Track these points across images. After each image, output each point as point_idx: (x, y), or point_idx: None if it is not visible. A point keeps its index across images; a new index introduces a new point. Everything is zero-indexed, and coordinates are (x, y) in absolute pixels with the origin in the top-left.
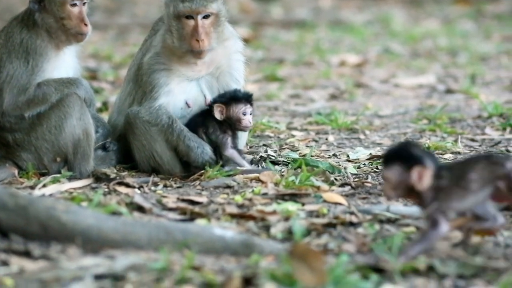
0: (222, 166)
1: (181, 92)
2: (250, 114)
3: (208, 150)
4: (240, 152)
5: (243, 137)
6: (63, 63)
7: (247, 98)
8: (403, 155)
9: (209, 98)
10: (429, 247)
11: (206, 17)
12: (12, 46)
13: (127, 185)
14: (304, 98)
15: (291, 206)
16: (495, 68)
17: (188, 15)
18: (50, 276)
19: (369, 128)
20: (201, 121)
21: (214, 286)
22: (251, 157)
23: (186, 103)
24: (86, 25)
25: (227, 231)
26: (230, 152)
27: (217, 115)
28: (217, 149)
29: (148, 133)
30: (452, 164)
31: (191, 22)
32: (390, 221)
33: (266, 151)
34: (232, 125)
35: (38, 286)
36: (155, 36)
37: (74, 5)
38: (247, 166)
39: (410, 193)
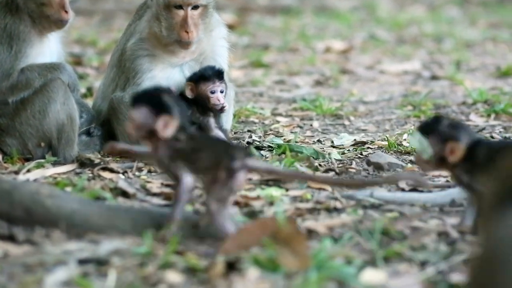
0: None
1: (164, 78)
2: (221, 92)
3: None
4: (225, 132)
5: (228, 119)
6: (47, 49)
7: (216, 76)
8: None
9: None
10: None
11: (195, 8)
12: None
13: (111, 171)
14: (289, 84)
15: (275, 192)
16: (480, 54)
17: (178, 5)
18: (34, 260)
19: (353, 114)
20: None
21: (197, 270)
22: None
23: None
24: (66, 12)
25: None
26: (215, 133)
27: (188, 93)
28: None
29: None
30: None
31: (181, 13)
32: (373, 206)
33: (250, 137)
34: (204, 105)
35: (22, 270)
36: (139, 21)
37: None
38: None
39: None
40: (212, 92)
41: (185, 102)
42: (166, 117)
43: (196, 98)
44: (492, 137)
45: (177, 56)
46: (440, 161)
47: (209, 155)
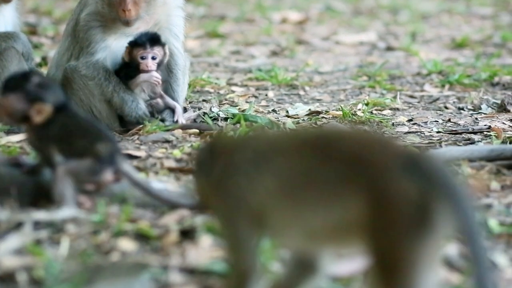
0: (162, 121)
1: (119, 47)
2: (153, 58)
3: (142, 105)
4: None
5: (183, 89)
6: (1, 18)
7: (149, 42)
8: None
9: (159, 75)
10: None
11: None
12: None
13: None
14: (245, 55)
15: None
16: (435, 26)
17: None
18: None
19: (309, 84)
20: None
21: (151, 239)
22: (196, 113)
23: (123, 58)
24: None
25: (164, 185)
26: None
27: (125, 56)
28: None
29: (86, 88)
30: None
31: None
32: None
33: (210, 109)
34: (137, 69)
35: None
36: None
37: None
38: (175, 104)
39: None
40: (142, 58)
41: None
42: (38, 103)
43: (131, 62)
44: (446, 107)
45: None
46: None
47: (82, 141)
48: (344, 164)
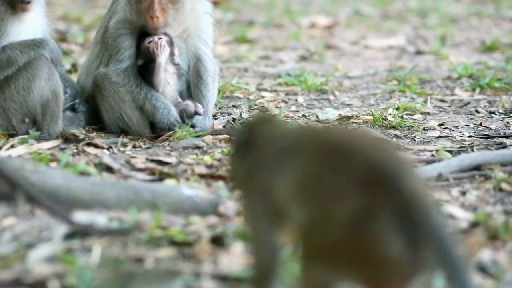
0: (192, 127)
1: None
2: (159, 39)
3: (174, 112)
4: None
5: (213, 95)
6: (30, 26)
7: (151, 31)
8: None
9: (177, 60)
10: None
11: None
12: None
13: (96, 146)
14: (274, 60)
15: None
16: (465, 29)
17: None
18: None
19: (338, 89)
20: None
21: (182, 245)
22: (226, 118)
23: None
24: None
25: (195, 191)
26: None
27: (139, 61)
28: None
29: (117, 94)
30: None
31: None
32: None
33: (240, 114)
34: (153, 61)
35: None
36: (120, 1)
37: None
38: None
39: None
40: (150, 42)
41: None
42: None
43: (145, 60)
44: (477, 111)
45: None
46: None
47: None
48: (354, 181)
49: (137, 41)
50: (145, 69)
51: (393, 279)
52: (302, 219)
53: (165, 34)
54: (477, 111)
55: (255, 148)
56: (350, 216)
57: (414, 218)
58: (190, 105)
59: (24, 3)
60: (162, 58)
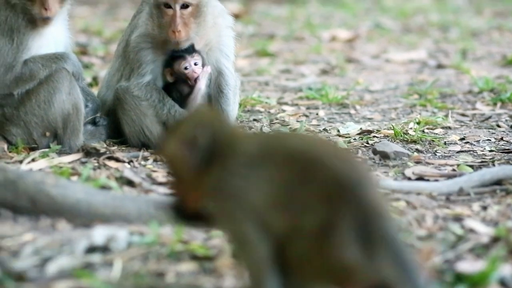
0: None
1: None
2: (195, 64)
3: None
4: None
5: (234, 108)
6: (51, 39)
7: (185, 52)
8: None
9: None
10: None
11: (185, 7)
12: None
13: (117, 160)
14: (295, 73)
15: None
16: (486, 43)
17: (167, 4)
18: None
19: (359, 103)
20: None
21: (203, 260)
22: None
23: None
24: (46, 9)
25: None
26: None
27: (169, 78)
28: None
29: (138, 108)
30: None
31: (170, 12)
32: None
33: (261, 128)
34: (186, 83)
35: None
36: (141, 14)
37: None
38: None
39: None
40: (186, 68)
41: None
42: None
43: (177, 80)
44: (498, 125)
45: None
46: None
47: None
48: (319, 194)
49: (169, 60)
50: (175, 88)
51: (356, 284)
52: (279, 231)
53: (195, 51)
54: (498, 126)
55: (220, 155)
56: (317, 228)
57: (371, 228)
58: None
59: (45, 19)
60: (202, 83)
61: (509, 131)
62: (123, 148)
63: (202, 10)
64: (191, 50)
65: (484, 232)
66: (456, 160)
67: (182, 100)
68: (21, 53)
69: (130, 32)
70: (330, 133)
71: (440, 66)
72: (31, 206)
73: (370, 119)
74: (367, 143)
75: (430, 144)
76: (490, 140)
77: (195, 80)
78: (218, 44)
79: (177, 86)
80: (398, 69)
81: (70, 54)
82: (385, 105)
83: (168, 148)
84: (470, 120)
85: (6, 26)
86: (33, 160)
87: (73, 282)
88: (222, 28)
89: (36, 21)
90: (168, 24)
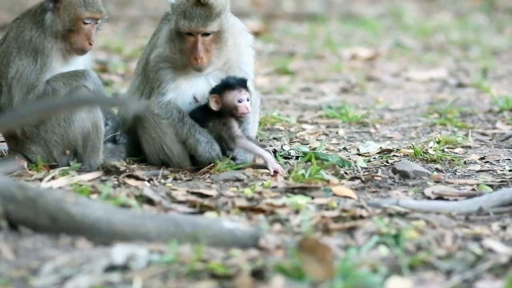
0: (233, 159)
1: (189, 87)
2: (248, 100)
3: (216, 146)
4: (252, 139)
5: (254, 127)
6: (72, 61)
7: (241, 84)
8: None
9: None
10: None
11: (207, 34)
12: (22, 42)
13: (137, 178)
14: (315, 92)
15: (300, 200)
16: (507, 62)
17: (188, 32)
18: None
19: (379, 122)
20: (200, 116)
21: (223, 279)
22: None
23: (194, 97)
24: (91, 44)
25: (236, 224)
26: (243, 143)
27: (213, 105)
28: (226, 144)
29: (158, 127)
30: None
31: (191, 39)
32: (399, 214)
33: (281, 147)
34: (231, 115)
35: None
36: (161, 33)
37: (87, 23)
38: (264, 153)
39: None
40: (240, 101)
41: (203, 114)
42: None
43: (222, 109)
44: None
45: None
46: None
47: None
48: None
49: (219, 87)
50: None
51: None
52: None
53: (247, 87)
54: None
55: None
56: None
57: None
58: (249, 145)
59: (85, 51)
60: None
61: None
62: (143, 166)
63: (223, 36)
64: (245, 84)
65: (503, 252)
66: (475, 179)
67: (219, 133)
68: (44, 74)
69: (150, 51)
70: (349, 152)
71: (460, 85)
72: (51, 224)
73: (390, 138)
74: (387, 162)
75: (450, 163)
76: (510, 159)
77: (241, 115)
78: (238, 62)
79: (221, 118)
80: (418, 87)
81: (91, 72)
82: (405, 124)
83: None
84: (490, 140)
85: (30, 46)
86: (53, 178)
87: None
88: (242, 47)
89: (71, 50)
90: (189, 50)
